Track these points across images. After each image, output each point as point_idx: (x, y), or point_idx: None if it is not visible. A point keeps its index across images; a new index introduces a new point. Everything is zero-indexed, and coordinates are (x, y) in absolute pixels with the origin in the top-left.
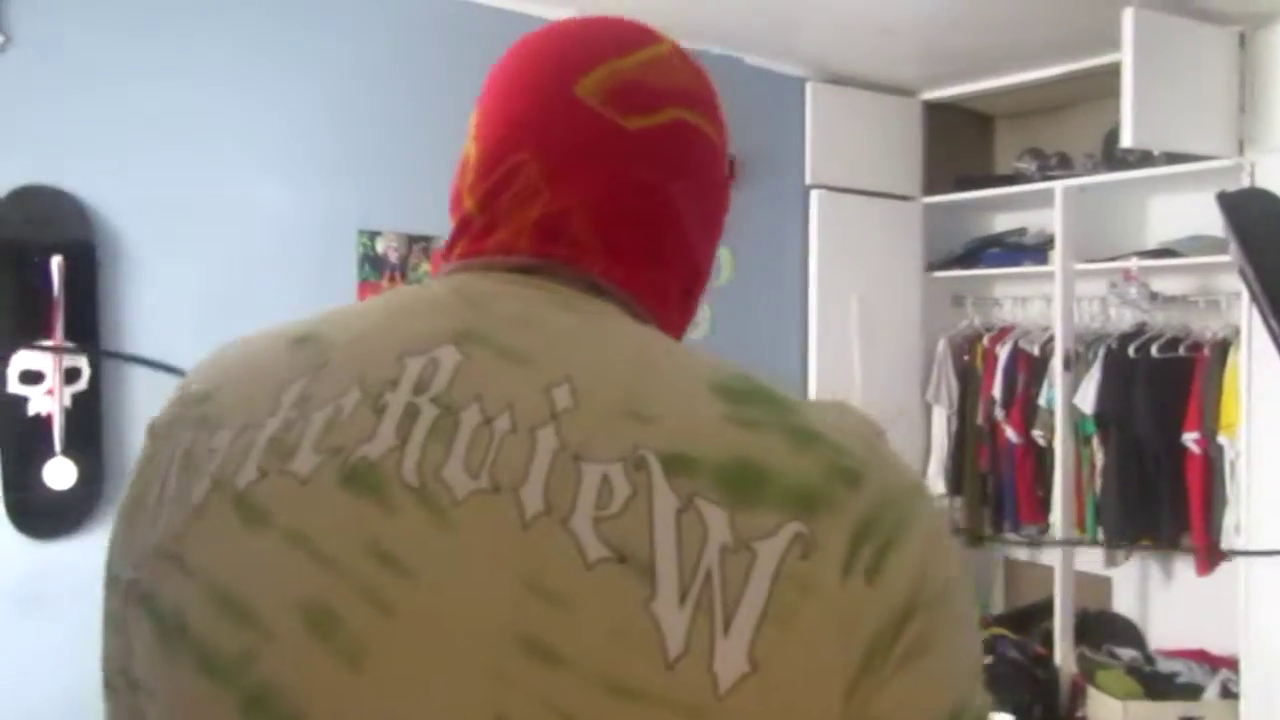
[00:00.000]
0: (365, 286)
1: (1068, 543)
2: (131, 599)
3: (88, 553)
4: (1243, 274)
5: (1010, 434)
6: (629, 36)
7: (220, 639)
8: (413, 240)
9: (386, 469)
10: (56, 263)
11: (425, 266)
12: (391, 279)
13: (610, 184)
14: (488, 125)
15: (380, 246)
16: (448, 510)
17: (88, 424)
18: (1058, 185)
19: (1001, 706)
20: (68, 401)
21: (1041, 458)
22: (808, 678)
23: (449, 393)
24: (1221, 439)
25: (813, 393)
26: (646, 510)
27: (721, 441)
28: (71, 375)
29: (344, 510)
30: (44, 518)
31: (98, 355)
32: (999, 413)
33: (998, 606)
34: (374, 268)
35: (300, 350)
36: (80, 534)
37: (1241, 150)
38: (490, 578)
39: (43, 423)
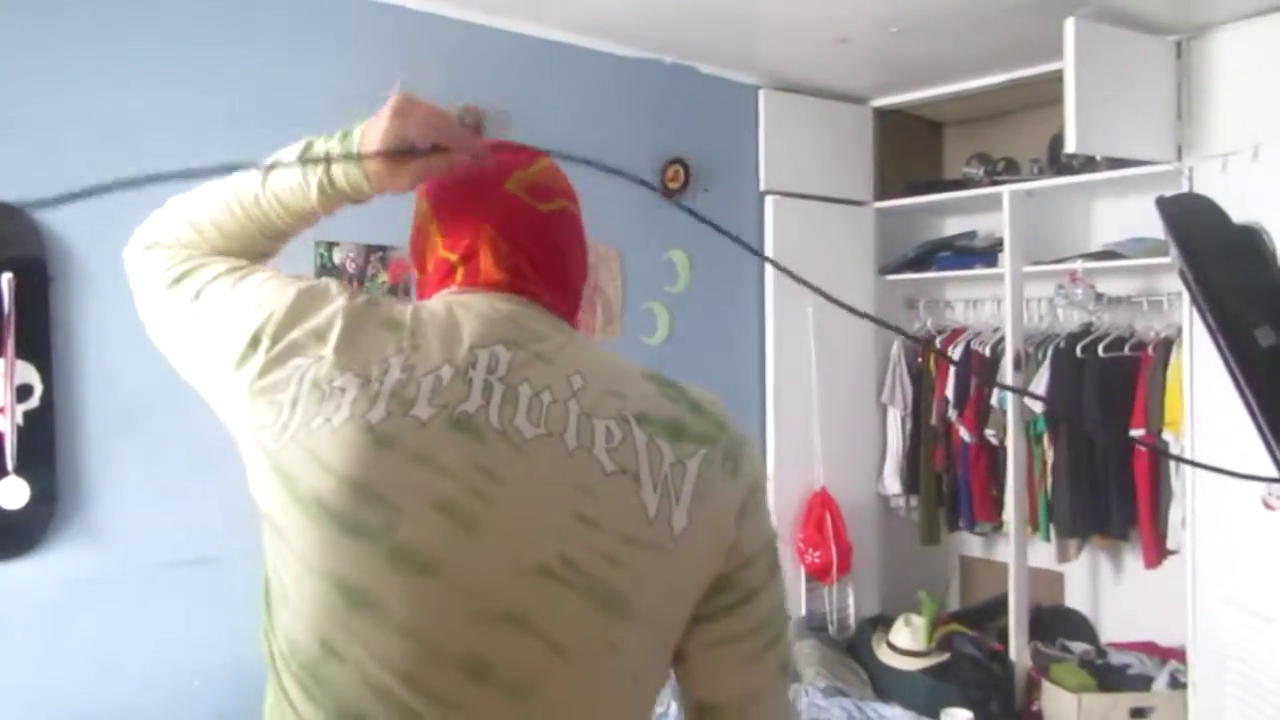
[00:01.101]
0: None
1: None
2: (269, 464)
3: (43, 573)
4: (1182, 276)
5: (964, 434)
6: (527, 155)
7: (364, 514)
8: (370, 250)
9: (479, 419)
10: (6, 279)
11: (384, 277)
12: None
13: (539, 246)
14: (448, 211)
15: (338, 257)
16: (521, 445)
17: (40, 442)
18: (1005, 190)
19: (959, 702)
20: (19, 419)
21: (995, 457)
22: (716, 522)
23: (509, 376)
24: (1167, 435)
25: (771, 395)
26: (631, 445)
27: (660, 407)
28: (23, 393)
29: (454, 443)
30: None
31: (50, 383)
32: (953, 413)
33: (954, 603)
34: (332, 278)
35: (391, 330)
36: (34, 554)
37: (1180, 156)
38: (551, 482)
39: None
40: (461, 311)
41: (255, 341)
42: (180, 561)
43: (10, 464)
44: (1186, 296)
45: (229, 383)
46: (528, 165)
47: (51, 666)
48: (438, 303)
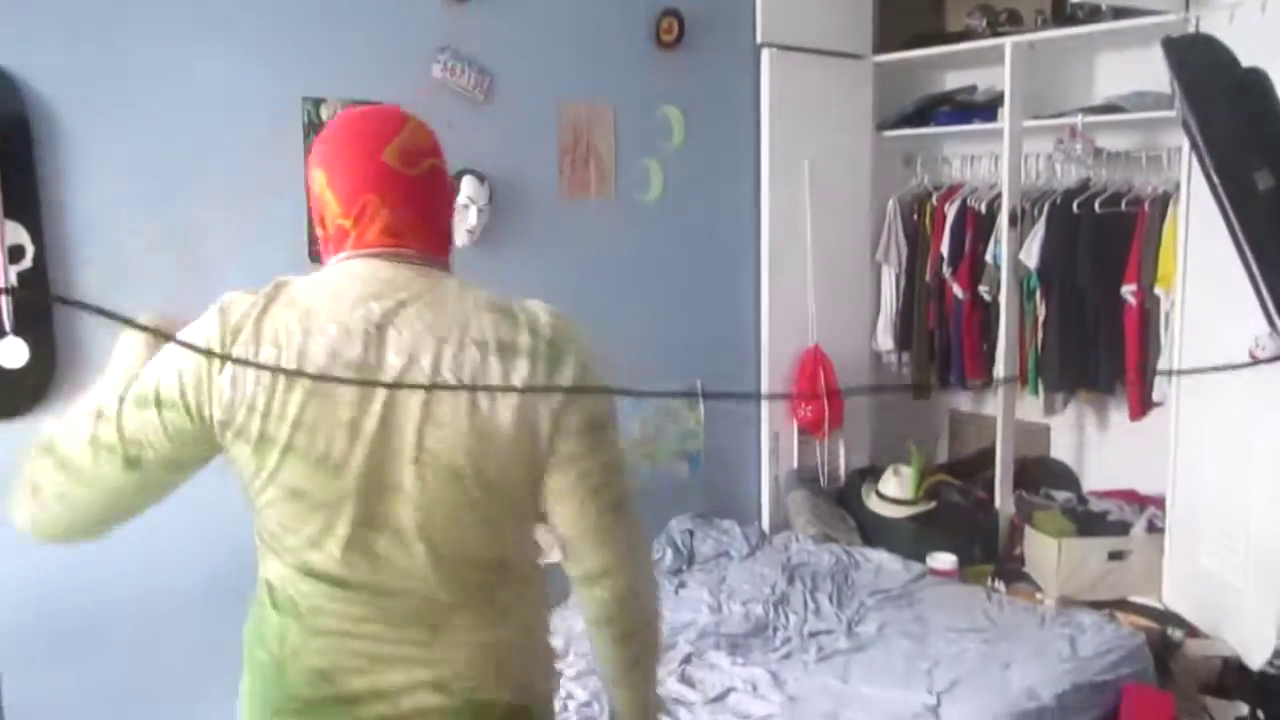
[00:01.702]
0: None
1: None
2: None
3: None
4: (1185, 124)
5: (957, 291)
6: (394, 120)
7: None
8: (358, 104)
9: (362, 361)
10: None
11: None
12: None
13: (412, 206)
14: (339, 182)
15: (325, 115)
16: (391, 375)
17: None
18: (1007, 42)
19: (944, 547)
20: (14, 280)
21: (987, 313)
22: (535, 415)
23: (381, 322)
24: (1158, 290)
25: (766, 252)
26: (470, 364)
27: (496, 332)
28: (15, 254)
29: (341, 410)
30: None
31: (42, 243)
32: (946, 271)
33: (942, 456)
34: None
35: (291, 308)
36: (38, 412)
37: (1187, 6)
38: (413, 398)
39: None
40: (346, 279)
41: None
42: None
43: (8, 324)
44: (1186, 150)
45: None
46: (398, 131)
47: None
48: (330, 272)
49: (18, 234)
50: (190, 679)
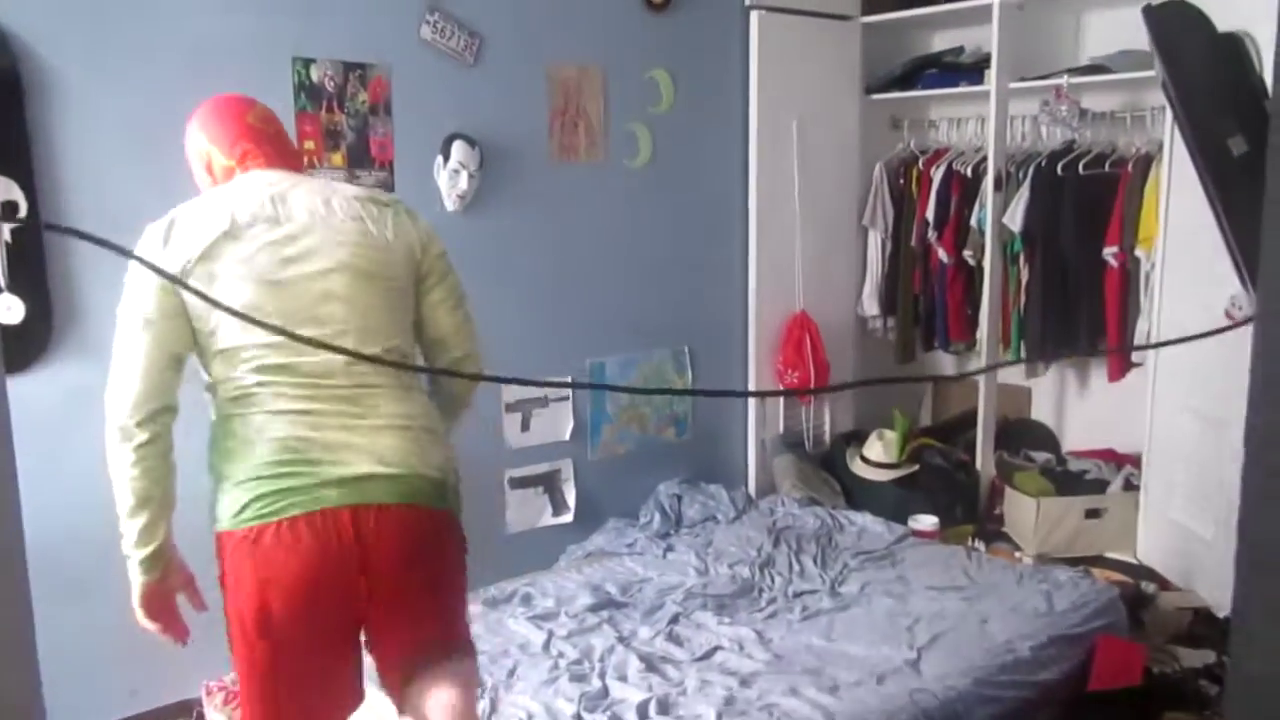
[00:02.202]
0: (303, 117)
1: (992, 368)
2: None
3: (44, 386)
4: (1164, 88)
5: (942, 255)
6: (248, 100)
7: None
8: (349, 68)
9: (284, 221)
10: None
11: (364, 96)
12: (329, 109)
13: (275, 149)
14: (221, 138)
15: (315, 75)
16: (302, 226)
17: (31, 258)
18: (995, 1)
19: (926, 509)
20: (7, 236)
21: (971, 277)
22: (409, 239)
23: (286, 198)
24: (1139, 252)
25: (753, 217)
26: (356, 209)
27: (365, 195)
28: (8, 210)
29: (272, 243)
30: None
31: (34, 199)
32: (932, 235)
33: (926, 419)
34: (310, 98)
35: (212, 204)
36: (35, 369)
37: None
38: (324, 236)
39: None
40: (244, 182)
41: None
42: None
43: (3, 281)
44: (1169, 110)
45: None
46: (252, 107)
47: (58, 473)
48: (239, 183)
49: (10, 189)
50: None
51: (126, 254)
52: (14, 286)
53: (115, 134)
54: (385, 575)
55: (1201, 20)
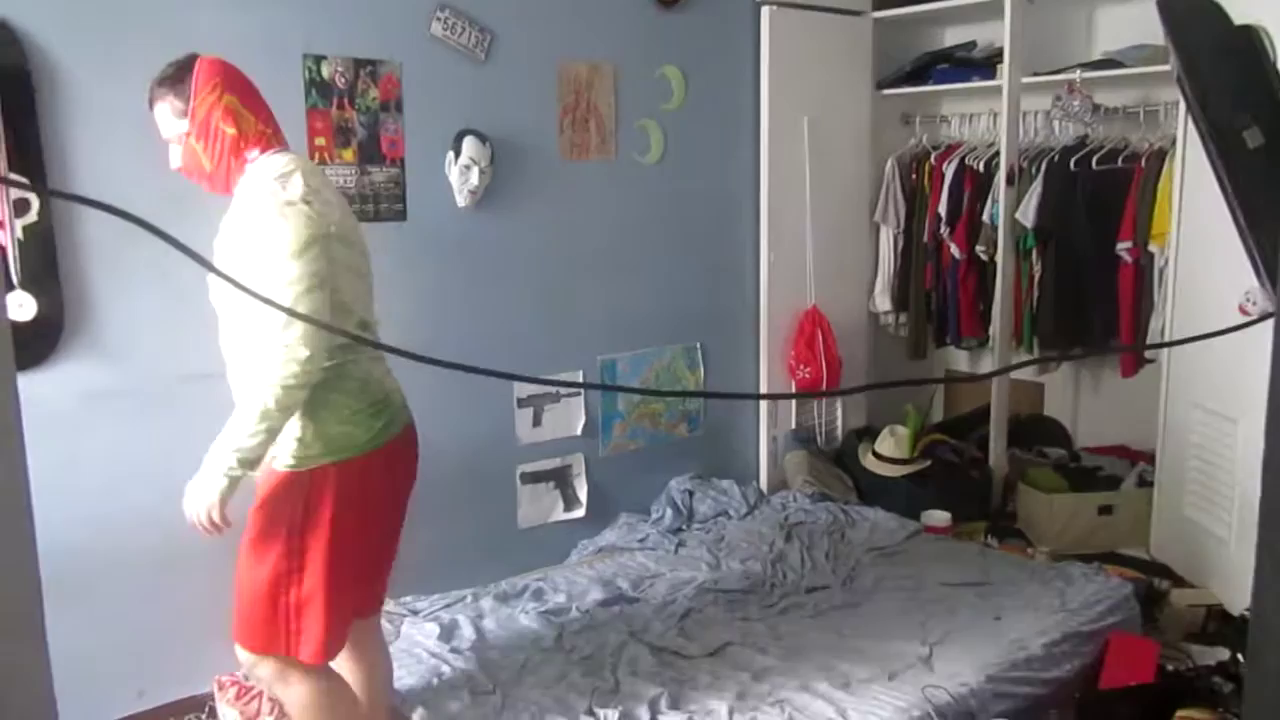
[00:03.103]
0: (314, 114)
1: (1006, 370)
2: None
3: (57, 385)
4: (1179, 81)
5: (954, 251)
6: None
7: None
8: (359, 65)
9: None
10: None
11: (374, 93)
12: (340, 106)
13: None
14: (258, 108)
15: (326, 72)
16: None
17: (43, 256)
18: None
19: (938, 505)
20: (19, 234)
21: (983, 273)
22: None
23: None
24: (1152, 247)
25: (765, 214)
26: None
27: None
28: (20, 207)
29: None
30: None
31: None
32: (944, 231)
33: (938, 415)
34: (321, 94)
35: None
36: (46, 366)
37: None
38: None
39: None
40: (305, 162)
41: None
42: (190, 376)
43: (16, 278)
44: (1183, 106)
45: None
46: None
47: (70, 472)
48: (296, 156)
49: (22, 188)
50: (201, 620)
51: (148, 226)
52: (26, 284)
53: (126, 131)
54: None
55: (1217, 12)
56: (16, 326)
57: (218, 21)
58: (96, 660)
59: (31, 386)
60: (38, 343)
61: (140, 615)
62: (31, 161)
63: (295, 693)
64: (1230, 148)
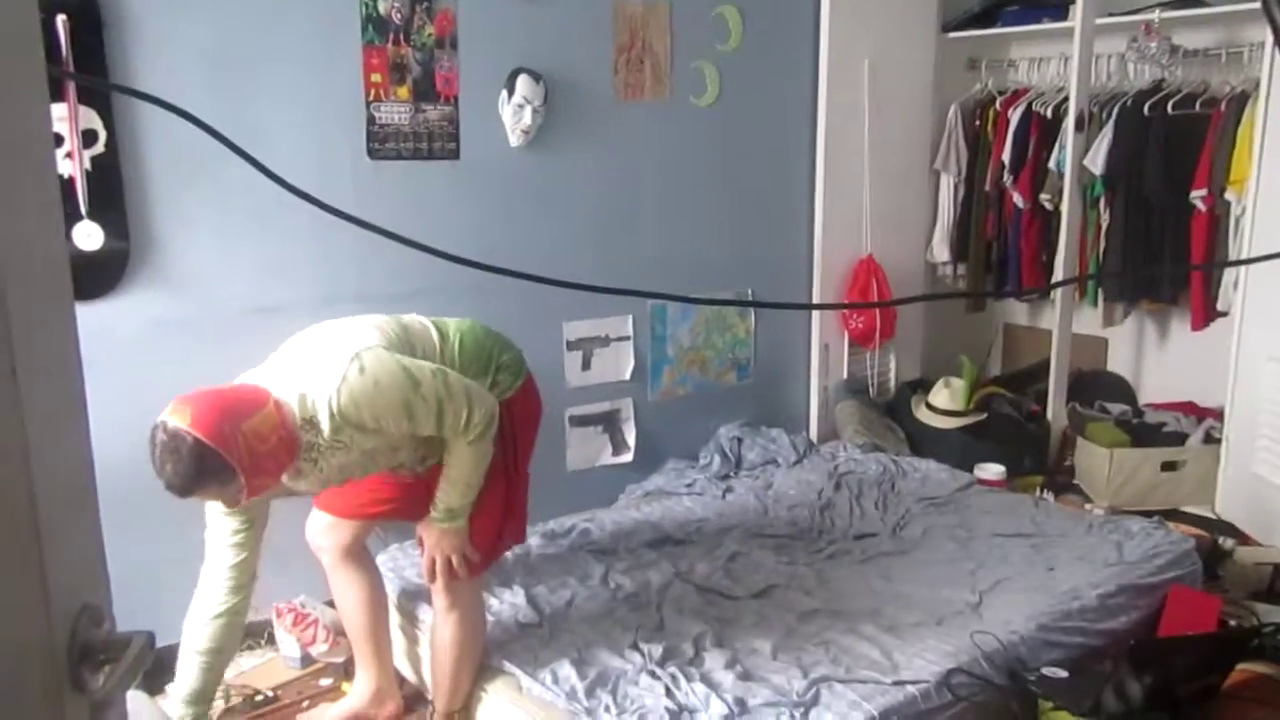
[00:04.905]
0: (370, 50)
1: (1049, 287)
2: None
3: (124, 313)
4: (1267, 11)
5: (1017, 199)
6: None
7: None
8: (416, 1)
9: None
10: (61, 20)
11: (430, 30)
12: (395, 42)
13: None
14: (253, 416)
15: (383, 7)
16: None
17: (110, 187)
18: None
19: (993, 458)
20: (88, 164)
21: (1048, 223)
22: None
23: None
24: (1229, 195)
25: (821, 159)
26: None
27: None
28: (89, 138)
29: None
30: (77, 281)
31: (112, 129)
32: (1007, 179)
33: (995, 369)
34: (378, 31)
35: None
36: (114, 295)
37: None
38: None
39: (65, 186)
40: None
41: None
42: (250, 309)
43: (84, 208)
44: (1270, 44)
45: None
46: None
47: (134, 398)
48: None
49: (90, 119)
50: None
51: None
52: (93, 214)
53: (191, 64)
54: None
55: None
56: (87, 256)
57: None
58: (160, 575)
59: (102, 315)
60: (107, 273)
61: (200, 536)
62: (98, 94)
63: (476, 586)
64: None
